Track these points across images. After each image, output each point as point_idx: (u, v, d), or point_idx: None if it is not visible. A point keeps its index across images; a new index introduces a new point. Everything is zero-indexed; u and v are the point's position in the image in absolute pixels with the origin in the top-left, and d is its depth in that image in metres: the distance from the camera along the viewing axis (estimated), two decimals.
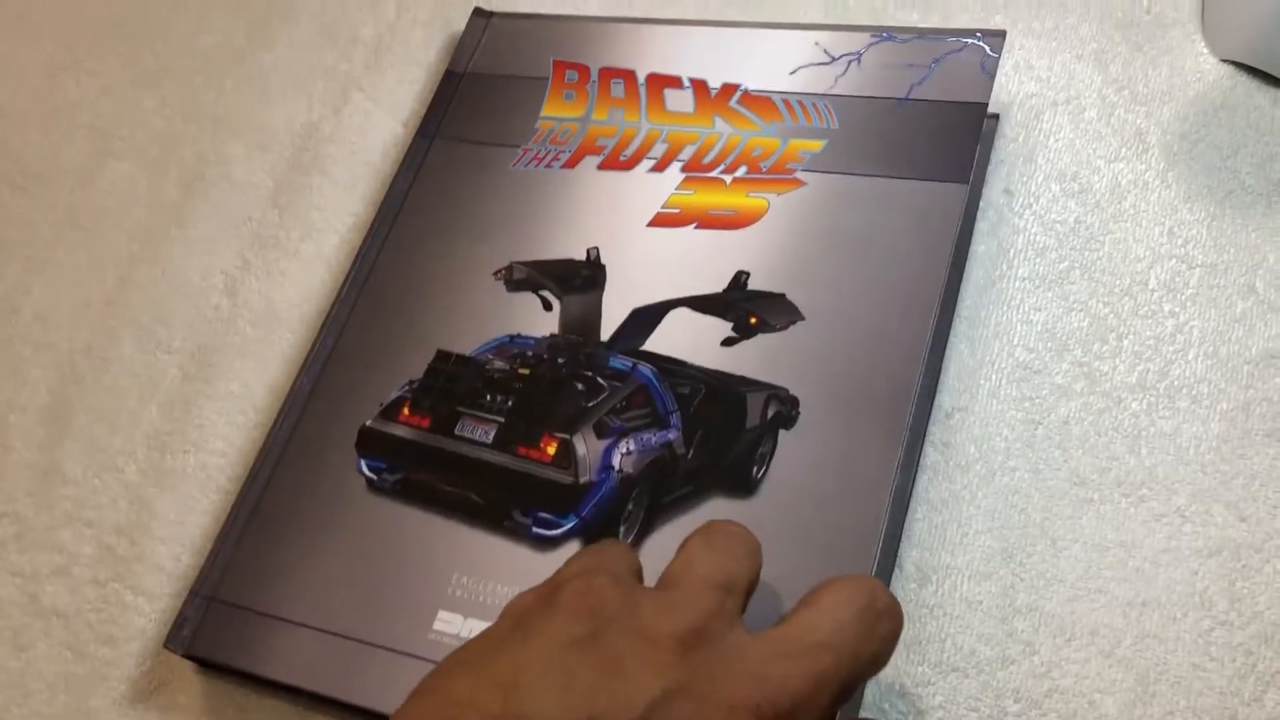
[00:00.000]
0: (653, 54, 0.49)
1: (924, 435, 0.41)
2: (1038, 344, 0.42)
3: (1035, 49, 0.48)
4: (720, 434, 0.40)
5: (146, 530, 0.44)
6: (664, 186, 0.45)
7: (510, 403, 0.41)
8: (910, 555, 0.39)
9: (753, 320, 0.41)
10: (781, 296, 0.42)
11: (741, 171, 0.45)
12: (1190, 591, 0.38)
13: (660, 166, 0.46)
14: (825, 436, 0.39)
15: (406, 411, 0.42)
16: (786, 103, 0.46)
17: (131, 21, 0.57)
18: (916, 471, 0.41)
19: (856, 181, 0.43)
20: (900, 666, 0.38)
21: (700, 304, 0.42)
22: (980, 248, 0.44)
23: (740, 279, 0.43)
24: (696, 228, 0.44)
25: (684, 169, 0.46)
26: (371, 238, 0.48)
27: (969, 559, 0.39)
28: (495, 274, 0.45)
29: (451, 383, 0.43)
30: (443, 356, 0.43)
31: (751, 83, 0.47)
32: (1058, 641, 0.37)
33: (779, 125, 0.45)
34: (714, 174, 0.45)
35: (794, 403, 0.40)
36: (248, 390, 0.47)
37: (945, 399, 0.42)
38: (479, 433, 0.41)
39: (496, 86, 0.50)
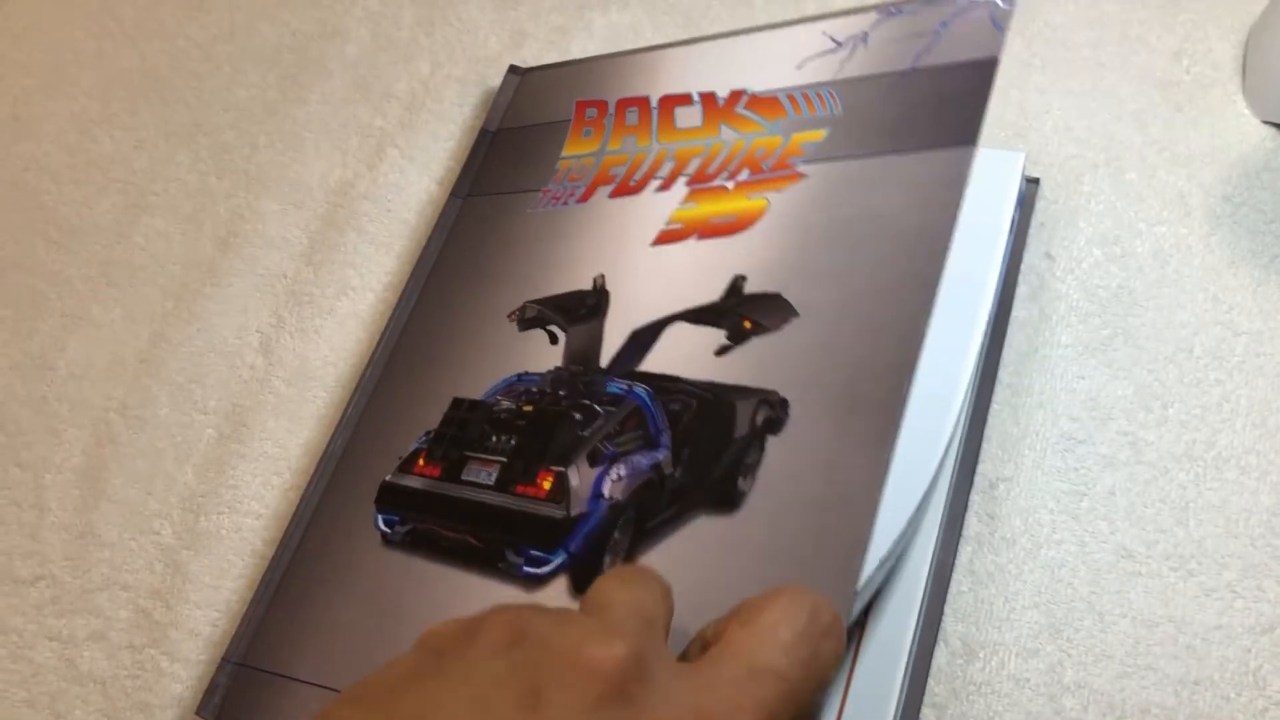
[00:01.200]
0: (666, 77, 0.48)
1: (966, 505, 0.41)
2: (1082, 413, 0.42)
3: (1074, 109, 0.48)
4: (709, 448, 0.38)
5: (181, 595, 0.44)
6: (669, 203, 0.44)
7: (513, 442, 0.41)
8: (956, 630, 0.39)
9: (746, 325, 0.40)
10: (776, 296, 0.40)
11: (744, 175, 0.43)
12: (1243, 670, 0.37)
13: (666, 184, 0.45)
14: (814, 439, 0.36)
15: (421, 462, 0.42)
16: (791, 98, 0.44)
17: (164, 75, 0.57)
18: (959, 542, 0.40)
19: (858, 165, 0.41)
20: None
21: (696, 316, 0.41)
22: (1021, 313, 0.44)
23: (737, 284, 0.41)
24: (698, 239, 0.43)
25: (689, 183, 0.44)
26: (405, 297, 0.48)
27: (1016, 635, 0.39)
28: (509, 316, 0.45)
29: (463, 429, 0.42)
30: (457, 404, 0.43)
31: (758, 85, 0.45)
32: None
33: (783, 122, 0.44)
34: (717, 182, 0.44)
35: (784, 406, 0.38)
36: (282, 450, 0.47)
37: (988, 468, 0.41)
38: (482, 475, 0.41)
39: (525, 137, 0.50)
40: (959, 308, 0.40)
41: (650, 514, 0.38)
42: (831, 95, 0.43)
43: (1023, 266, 0.45)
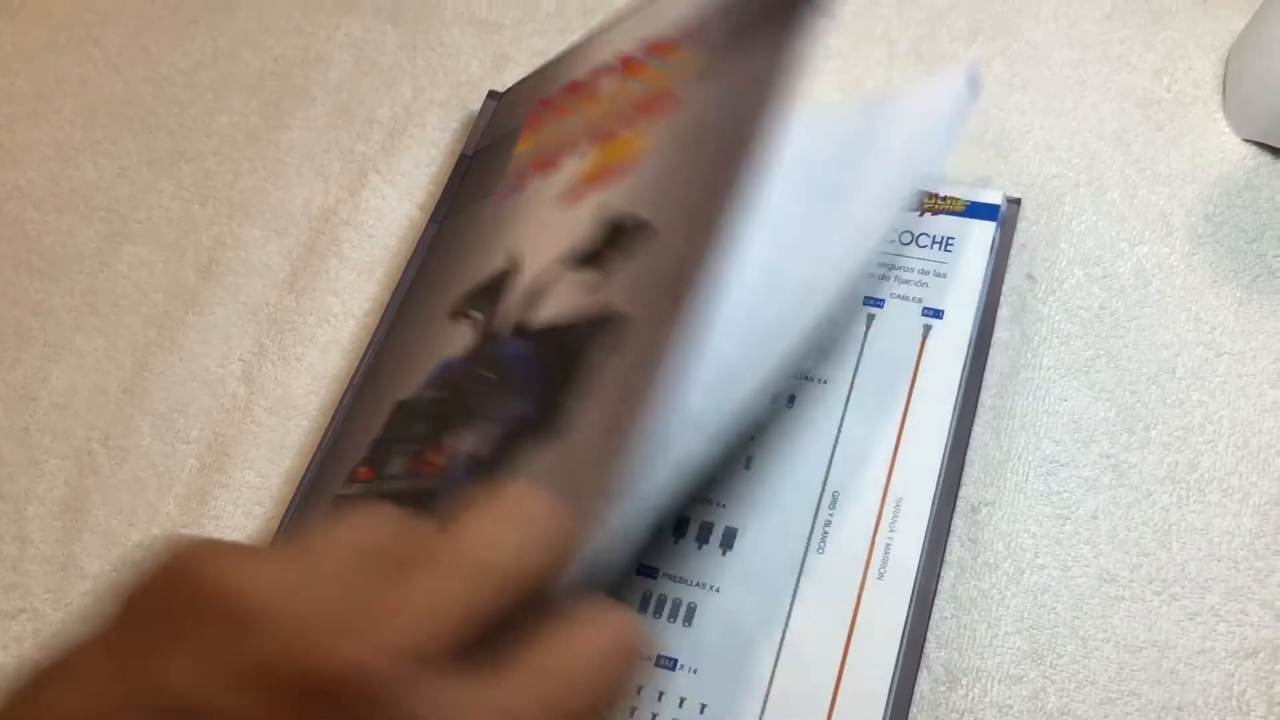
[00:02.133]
0: (601, 54, 0.47)
1: (949, 530, 0.41)
2: (1064, 435, 0.42)
3: (1056, 129, 0.48)
4: (558, 381, 0.37)
5: None
6: (579, 167, 0.43)
7: (424, 427, 0.41)
8: (938, 656, 0.39)
9: (616, 257, 0.39)
10: (645, 224, 0.39)
11: (640, 121, 0.42)
12: (1227, 695, 0.37)
13: (579, 150, 0.44)
14: (638, 346, 0.35)
15: (362, 470, 0.42)
16: (685, 33, 0.43)
17: (147, 102, 0.57)
18: (941, 568, 0.40)
19: (725, 74, 0.40)
20: None
21: (575, 260, 0.40)
22: (1003, 335, 0.44)
23: (610, 221, 0.40)
24: (598, 188, 0.42)
25: (594, 140, 0.44)
26: (383, 322, 0.48)
27: (999, 661, 0.38)
28: (449, 315, 0.45)
29: (400, 429, 0.42)
30: (397, 407, 0.43)
31: (660, 30, 0.44)
32: None
33: (673, 59, 0.43)
34: (619, 134, 0.43)
35: (623, 321, 0.36)
36: (264, 480, 0.47)
37: (970, 493, 0.41)
38: (395, 466, 0.41)
39: (490, 152, 0.50)
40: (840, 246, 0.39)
41: (509, 459, 0.36)
42: (719, 19, 0.42)
43: (1004, 288, 0.44)
